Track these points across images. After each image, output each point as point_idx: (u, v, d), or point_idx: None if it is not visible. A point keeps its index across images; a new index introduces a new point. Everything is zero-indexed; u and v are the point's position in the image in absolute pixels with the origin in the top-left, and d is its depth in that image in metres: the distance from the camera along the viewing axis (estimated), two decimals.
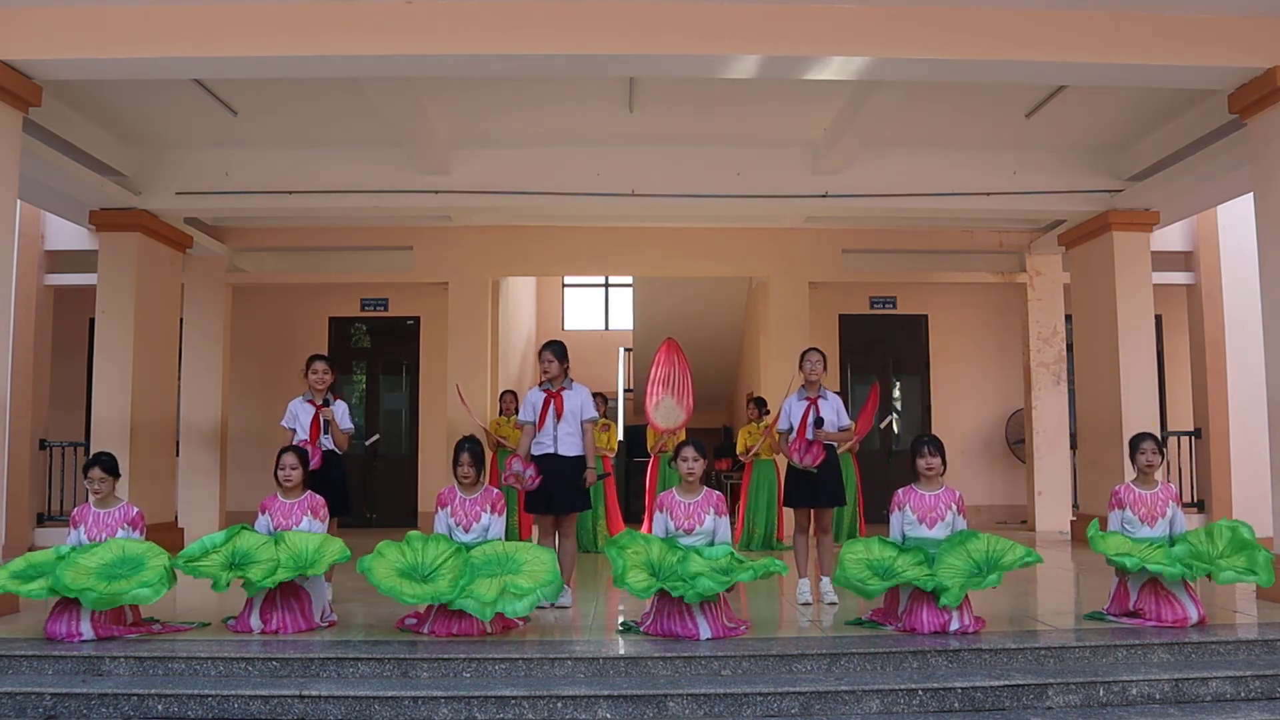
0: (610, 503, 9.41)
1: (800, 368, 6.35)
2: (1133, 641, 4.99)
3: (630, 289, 15.44)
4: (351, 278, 11.57)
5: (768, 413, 9.50)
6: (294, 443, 6.02)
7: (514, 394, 9.61)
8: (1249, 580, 5.40)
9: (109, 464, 5.59)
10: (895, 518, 5.57)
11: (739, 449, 9.62)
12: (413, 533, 5.53)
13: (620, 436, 13.09)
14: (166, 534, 9.37)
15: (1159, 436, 5.89)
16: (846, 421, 6.38)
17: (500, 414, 9.56)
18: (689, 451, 5.51)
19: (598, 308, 18.35)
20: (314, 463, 5.98)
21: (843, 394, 10.12)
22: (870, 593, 5.34)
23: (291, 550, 5.37)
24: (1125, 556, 5.38)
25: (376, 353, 12.79)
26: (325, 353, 6.95)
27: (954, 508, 5.48)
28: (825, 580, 6.20)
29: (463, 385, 10.52)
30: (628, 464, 12.77)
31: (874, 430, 12.14)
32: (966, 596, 5.28)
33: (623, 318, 17.65)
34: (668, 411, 9.61)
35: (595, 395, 9.61)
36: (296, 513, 5.58)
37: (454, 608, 5.10)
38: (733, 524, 9.31)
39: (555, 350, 6.16)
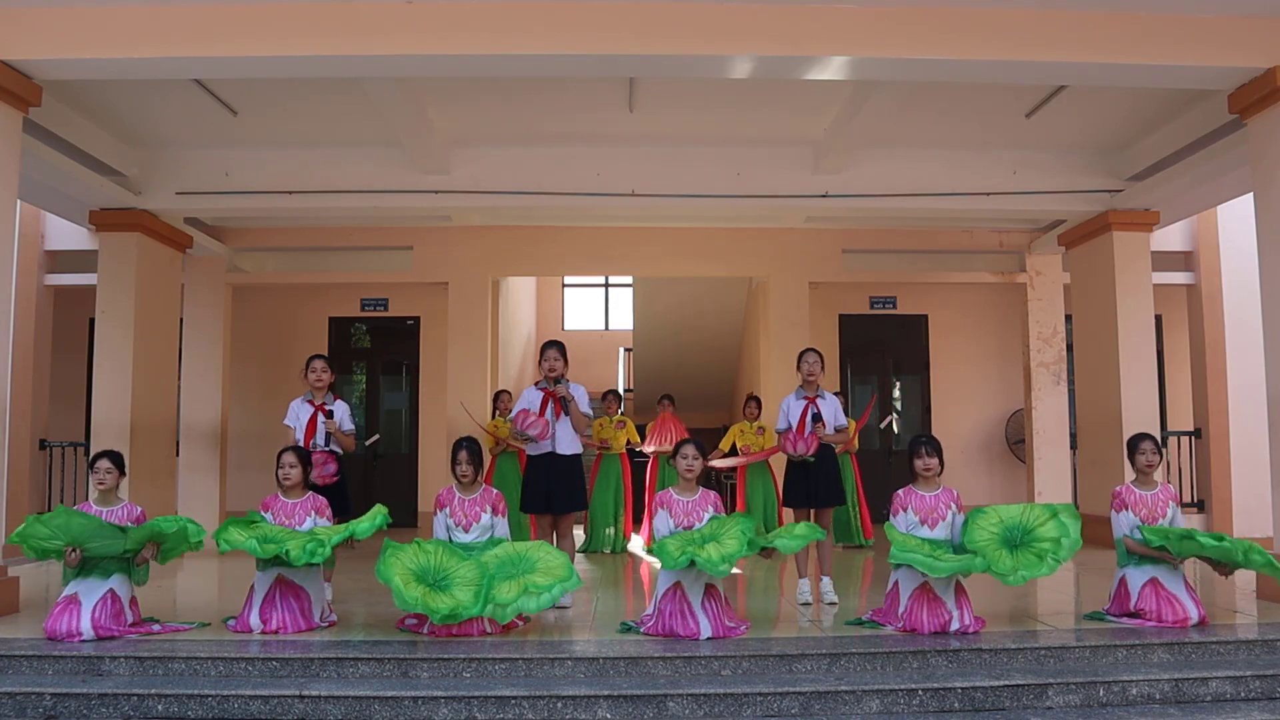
0: (626, 503, 9.48)
1: (798, 368, 6.38)
2: (1133, 641, 5.00)
3: (630, 289, 15.45)
4: (351, 278, 11.56)
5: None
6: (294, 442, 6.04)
7: (509, 394, 9.62)
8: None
9: (117, 458, 5.62)
10: (898, 521, 5.56)
11: (723, 444, 9.60)
12: (419, 540, 5.51)
13: None
14: None
15: (1158, 437, 5.87)
16: (843, 421, 6.42)
17: (495, 414, 9.55)
18: (689, 450, 5.52)
19: (598, 308, 18.36)
20: (324, 473, 6.01)
21: (843, 394, 10.13)
22: (939, 569, 5.11)
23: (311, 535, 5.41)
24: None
25: (376, 353, 12.79)
26: (325, 353, 6.97)
27: (954, 507, 5.48)
28: (825, 580, 6.20)
29: (462, 385, 10.55)
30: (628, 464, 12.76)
31: (873, 430, 12.17)
32: (967, 595, 5.29)
33: (623, 318, 17.66)
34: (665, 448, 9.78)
35: (610, 393, 9.69)
36: (299, 513, 5.58)
37: (482, 615, 5.07)
38: None
39: (560, 349, 6.18)
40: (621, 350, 15.97)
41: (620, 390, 14.68)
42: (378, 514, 5.52)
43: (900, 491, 5.61)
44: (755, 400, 9.73)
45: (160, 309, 9.33)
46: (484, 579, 5.17)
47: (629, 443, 9.56)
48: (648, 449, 9.73)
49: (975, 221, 10.70)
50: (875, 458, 11.88)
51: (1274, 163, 6.31)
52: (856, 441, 9.54)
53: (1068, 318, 11.10)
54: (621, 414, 9.74)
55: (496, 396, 9.69)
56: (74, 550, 5.17)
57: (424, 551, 5.32)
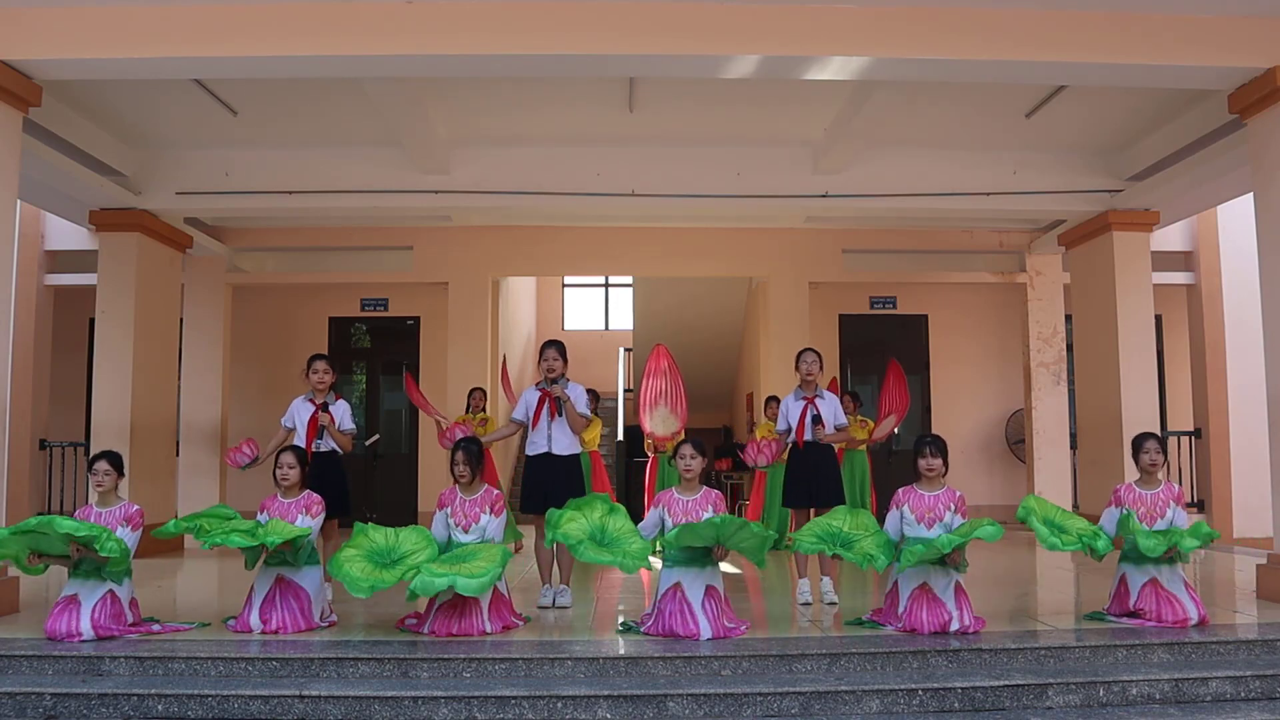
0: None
1: (796, 368, 6.38)
2: (1133, 641, 4.99)
3: (630, 289, 15.45)
4: (351, 278, 11.58)
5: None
6: (293, 441, 6.03)
7: (483, 391, 9.54)
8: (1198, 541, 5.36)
9: (115, 459, 5.61)
10: (892, 515, 5.57)
11: None
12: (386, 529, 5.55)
13: (620, 437, 13.11)
14: None
15: (1161, 436, 5.87)
16: (843, 420, 6.42)
17: (468, 410, 9.42)
18: (687, 449, 5.52)
19: (598, 308, 18.37)
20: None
21: (845, 394, 10.10)
22: (803, 547, 5.56)
23: (273, 529, 5.41)
24: (1053, 534, 5.45)
25: (376, 353, 12.80)
26: (325, 352, 6.93)
27: (953, 508, 5.46)
28: (825, 580, 6.20)
29: (462, 385, 10.51)
30: (628, 464, 12.77)
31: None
32: (966, 595, 5.29)
33: (623, 318, 17.67)
34: (663, 420, 9.60)
35: (589, 392, 9.59)
36: (294, 512, 5.58)
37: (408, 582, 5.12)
38: None
39: (560, 349, 6.18)
40: (621, 350, 15.97)
41: (621, 390, 14.70)
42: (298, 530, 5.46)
43: (901, 490, 5.62)
44: (775, 400, 9.65)
45: (160, 309, 9.34)
46: (431, 549, 5.27)
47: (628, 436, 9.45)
48: (645, 422, 9.59)
49: (975, 221, 10.70)
50: (875, 458, 11.84)
51: (1274, 163, 6.31)
52: (895, 428, 9.28)
53: (1068, 318, 11.11)
54: (593, 413, 9.53)
55: (471, 394, 9.59)
56: (35, 555, 5.26)
57: (388, 537, 5.43)
